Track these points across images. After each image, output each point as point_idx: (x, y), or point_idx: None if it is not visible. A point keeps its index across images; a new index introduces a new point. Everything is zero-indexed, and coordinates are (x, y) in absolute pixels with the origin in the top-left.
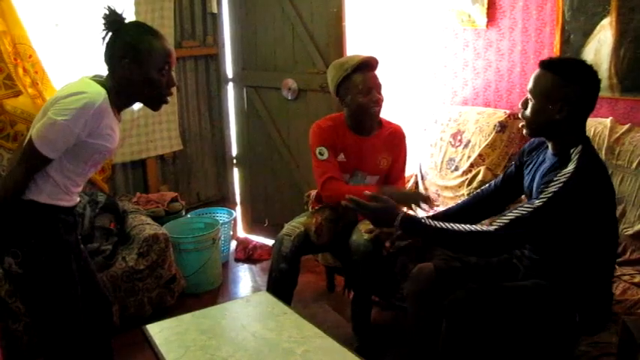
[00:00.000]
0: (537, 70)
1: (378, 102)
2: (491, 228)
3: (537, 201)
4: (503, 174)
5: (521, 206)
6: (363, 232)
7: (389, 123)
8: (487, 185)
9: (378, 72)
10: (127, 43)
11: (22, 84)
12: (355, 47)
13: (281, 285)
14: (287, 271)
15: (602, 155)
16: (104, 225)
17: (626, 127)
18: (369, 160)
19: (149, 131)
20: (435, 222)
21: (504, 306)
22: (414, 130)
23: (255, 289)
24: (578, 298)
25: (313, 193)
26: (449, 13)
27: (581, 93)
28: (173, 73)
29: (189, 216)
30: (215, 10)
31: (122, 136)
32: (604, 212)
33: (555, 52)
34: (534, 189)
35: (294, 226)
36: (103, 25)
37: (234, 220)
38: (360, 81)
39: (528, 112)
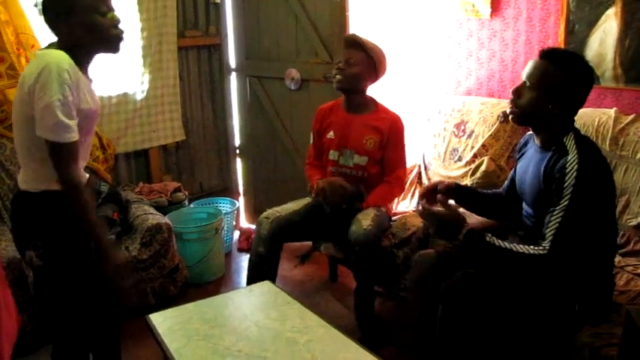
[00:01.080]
0: (537, 60)
1: (340, 71)
2: (543, 250)
3: (563, 201)
4: (509, 179)
5: (551, 216)
6: (362, 223)
7: (387, 110)
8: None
9: (364, 53)
10: (54, 1)
11: None
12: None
13: (259, 270)
14: (265, 256)
15: (607, 146)
16: (107, 215)
17: (631, 117)
18: (354, 138)
19: (152, 121)
20: (499, 241)
21: (500, 292)
22: (418, 120)
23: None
24: (578, 287)
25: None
26: (453, 2)
27: (579, 88)
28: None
29: (192, 206)
30: (218, 0)
31: (125, 126)
32: (608, 199)
33: (560, 42)
34: (527, 185)
35: (276, 210)
36: None
37: (237, 210)
38: (342, 54)
39: (523, 101)
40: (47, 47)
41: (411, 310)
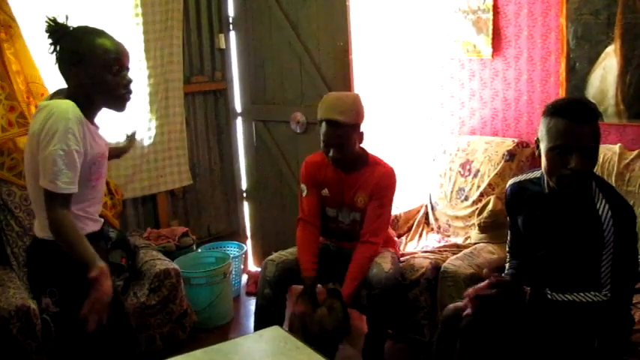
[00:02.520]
0: (579, 124)
1: (334, 159)
2: (605, 297)
3: (607, 248)
4: (512, 237)
5: (603, 262)
6: (383, 266)
7: (378, 164)
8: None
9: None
10: (68, 50)
11: None
12: (362, 79)
13: (266, 312)
14: (271, 298)
15: (613, 182)
16: (115, 261)
17: (635, 152)
18: (348, 197)
19: (159, 166)
20: (559, 295)
21: (519, 331)
22: (423, 160)
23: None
24: (603, 318)
25: None
26: (454, 44)
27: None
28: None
29: (200, 250)
30: (223, 46)
31: (132, 172)
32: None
33: (561, 80)
34: (550, 237)
35: (282, 253)
36: (48, 39)
37: (245, 253)
38: (324, 132)
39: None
40: (54, 95)
41: None
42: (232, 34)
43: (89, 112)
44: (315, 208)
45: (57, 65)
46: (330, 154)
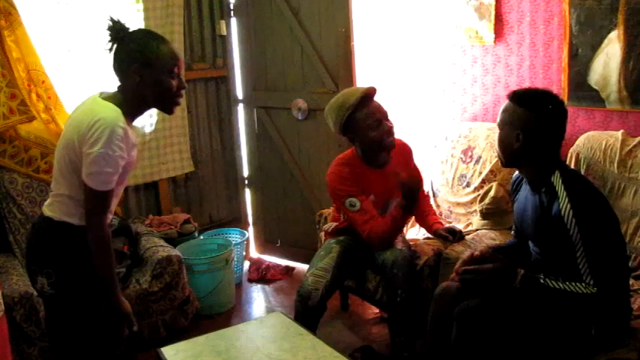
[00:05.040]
0: (507, 105)
1: (390, 131)
2: (592, 289)
3: (577, 247)
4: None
5: (578, 260)
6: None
7: (395, 146)
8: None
9: (380, 97)
10: (134, 49)
11: (36, 109)
12: (364, 66)
13: (311, 317)
14: (310, 311)
15: (615, 168)
16: (118, 248)
17: (638, 139)
18: (395, 188)
19: (161, 153)
20: (552, 281)
21: (516, 316)
22: (425, 147)
23: (269, 310)
24: (596, 311)
25: (326, 212)
26: (456, 30)
27: (536, 121)
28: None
29: (201, 237)
30: (224, 33)
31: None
32: (611, 223)
33: (564, 66)
34: (528, 226)
35: (318, 275)
36: (108, 37)
37: (247, 240)
38: (368, 115)
39: (497, 143)
40: (102, 95)
41: (431, 344)
42: (233, 21)
43: (136, 111)
44: (374, 209)
45: (114, 63)
46: (386, 128)
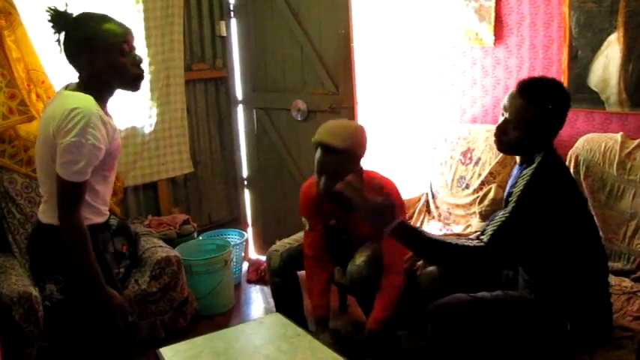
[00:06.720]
0: (518, 98)
1: (327, 190)
2: (478, 243)
3: (509, 206)
4: None
5: (498, 216)
6: (357, 260)
7: (375, 185)
8: None
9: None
10: (78, 38)
11: (35, 109)
12: (364, 68)
13: (283, 299)
14: (282, 285)
15: (614, 171)
16: (117, 248)
17: (637, 141)
18: (358, 230)
19: (160, 154)
20: (430, 234)
21: (487, 314)
22: (424, 148)
23: (268, 311)
24: (567, 308)
25: None
26: (456, 31)
27: (559, 118)
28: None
29: (200, 238)
30: (224, 33)
31: (133, 159)
32: (573, 212)
33: (563, 68)
34: (504, 199)
35: (285, 242)
36: (51, 28)
37: (246, 241)
38: (317, 158)
39: (510, 138)
40: (69, 86)
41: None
42: (233, 22)
43: (104, 97)
44: (321, 243)
45: (65, 54)
46: (321, 182)
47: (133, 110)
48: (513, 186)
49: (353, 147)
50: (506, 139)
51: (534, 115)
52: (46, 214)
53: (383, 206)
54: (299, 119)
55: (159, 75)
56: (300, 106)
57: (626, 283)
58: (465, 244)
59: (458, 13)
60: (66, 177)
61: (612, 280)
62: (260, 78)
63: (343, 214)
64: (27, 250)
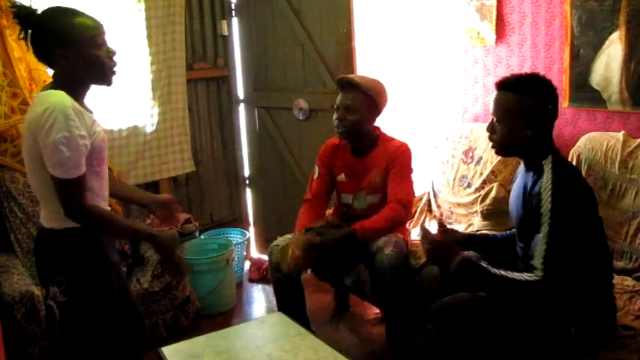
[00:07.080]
0: (496, 93)
1: (340, 122)
2: (537, 277)
3: (543, 227)
4: None
5: (537, 244)
6: (385, 251)
7: (391, 140)
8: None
9: (361, 94)
10: (50, 33)
11: None
12: (365, 67)
13: (285, 295)
14: (283, 280)
15: (616, 169)
16: (119, 247)
17: (639, 140)
18: (364, 180)
19: (162, 153)
20: (494, 269)
21: (489, 313)
22: (426, 147)
23: (270, 310)
24: (571, 308)
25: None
26: (458, 30)
27: (545, 107)
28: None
29: (202, 237)
30: (225, 32)
31: (135, 159)
32: (590, 217)
33: (565, 67)
34: (514, 210)
35: (287, 237)
36: (19, 25)
37: (248, 240)
38: (338, 97)
39: (498, 136)
40: (45, 88)
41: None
42: (235, 21)
43: (80, 93)
44: (324, 191)
45: (37, 51)
46: (336, 116)
47: (134, 109)
48: (526, 196)
49: (372, 91)
50: (496, 137)
51: (512, 104)
52: (45, 219)
53: (444, 245)
54: (300, 118)
55: (160, 74)
56: (302, 105)
57: (628, 282)
58: (524, 278)
59: (459, 12)
60: (61, 175)
61: (614, 279)
62: (261, 77)
63: (357, 167)
64: (33, 253)
